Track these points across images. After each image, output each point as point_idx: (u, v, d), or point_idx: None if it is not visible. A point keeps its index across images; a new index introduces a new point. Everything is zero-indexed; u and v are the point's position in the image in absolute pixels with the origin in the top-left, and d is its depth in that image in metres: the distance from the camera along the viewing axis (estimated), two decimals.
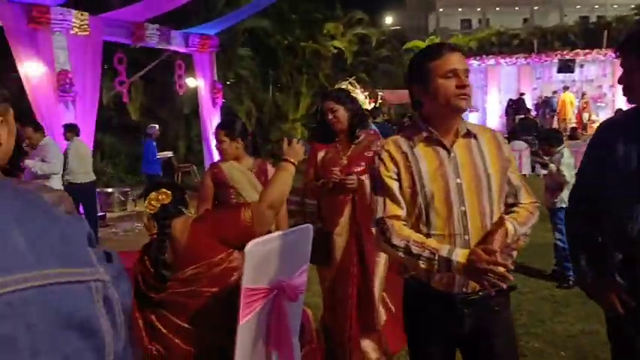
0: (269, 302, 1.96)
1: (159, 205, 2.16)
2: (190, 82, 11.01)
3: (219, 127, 2.93)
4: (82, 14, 7.84)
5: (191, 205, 2.38)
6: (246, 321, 1.83)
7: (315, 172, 3.01)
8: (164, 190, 2.17)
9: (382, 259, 2.81)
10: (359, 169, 2.88)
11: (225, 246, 2.13)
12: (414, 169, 1.72)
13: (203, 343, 2.05)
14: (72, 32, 7.78)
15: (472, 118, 18.16)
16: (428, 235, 1.69)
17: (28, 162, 5.43)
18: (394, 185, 1.74)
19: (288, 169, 2.28)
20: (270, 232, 2.24)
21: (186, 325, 2.07)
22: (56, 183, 5.85)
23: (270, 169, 2.90)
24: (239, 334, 1.81)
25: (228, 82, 14.44)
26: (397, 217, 1.72)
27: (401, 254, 1.68)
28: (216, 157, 10.72)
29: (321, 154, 3.00)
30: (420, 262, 1.64)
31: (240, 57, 15.19)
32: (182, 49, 10.11)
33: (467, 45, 25.51)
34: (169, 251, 2.16)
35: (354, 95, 3.16)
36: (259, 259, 1.90)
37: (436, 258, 1.61)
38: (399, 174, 1.74)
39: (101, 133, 12.81)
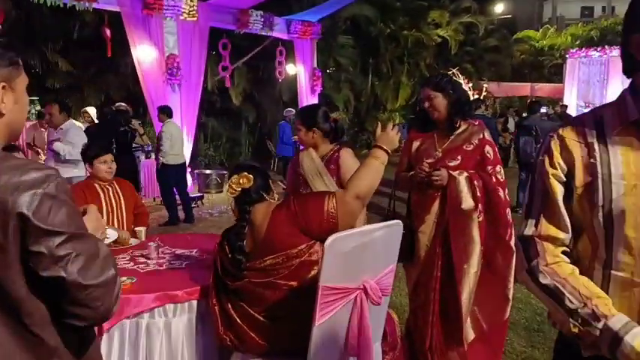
0: (349, 303, 1.79)
1: (239, 189, 2.07)
2: (290, 69, 11.08)
3: (296, 115, 2.82)
4: (191, 0, 8.11)
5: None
6: (322, 322, 1.68)
7: (409, 163, 2.78)
8: (246, 173, 2.07)
9: (473, 268, 2.51)
10: (454, 162, 2.60)
11: (307, 236, 1.99)
12: (600, 171, 1.15)
13: (278, 343, 1.93)
14: (181, 18, 8.09)
15: None
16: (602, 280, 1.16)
17: (56, 145, 5.05)
18: (558, 191, 1.21)
19: (379, 157, 2.08)
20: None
21: (261, 318, 1.97)
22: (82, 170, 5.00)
23: (346, 157, 2.71)
24: (314, 335, 1.67)
25: (327, 71, 14.41)
26: (554, 240, 1.22)
27: (546, 299, 1.20)
28: None
29: (416, 144, 2.76)
30: (571, 320, 1.15)
31: (341, 45, 15.05)
32: (284, 36, 10.18)
33: (587, 35, 23.48)
34: (248, 238, 2.06)
35: (456, 81, 2.85)
36: (341, 256, 1.73)
37: (599, 327, 1.11)
38: (570, 175, 1.20)
39: (205, 116, 13.40)
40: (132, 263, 2.63)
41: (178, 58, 8.15)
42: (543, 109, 9.96)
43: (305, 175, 2.72)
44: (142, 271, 2.51)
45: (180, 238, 3.28)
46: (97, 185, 3.19)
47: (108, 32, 7.58)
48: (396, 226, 1.96)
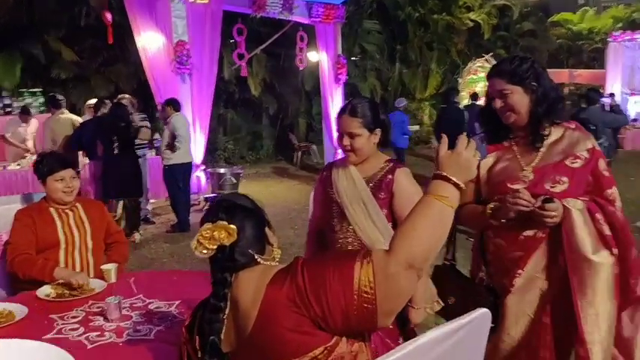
0: None
1: (214, 247, 1.28)
2: (312, 56, 10.22)
3: (352, 112, 1.97)
4: None
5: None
6: None
7: (478, 189, 1.93)
8: (225, 223, 1.27)
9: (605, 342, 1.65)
10: (560, 188, 1.75)
11: (325, 332, 1.19)
12: None
13: None
14: (190, 0, 7.32)
15: (632, 102, 15.45)
16: None
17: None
18: None
19: (446, 197, 1.24)
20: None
21: None
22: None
23: (403, 182, 1.95)
24: None
25: (352, 58, 13.48)
26: None
27: None
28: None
29: (487, 161, 1.91)
30: None
31: (366, 30, 14.10)
32: (305, 20, 9.32)
33: (629, 17, 21.96)
34: (229, 328, 1.27)
35: (539, 68, 1.96)
36: None
37: None
38: None
39: (223, 108, 12.67)
40: (82, 328, 1.86)
41: (188, 45, 7.39)
42: (606, 100, 8.89)
43: (341, 203, 1.95)
44: (89, 344, 1.74)
45: (162, 279, 2.49)
46: (52, 209, 2.44)
47: (109, 17, 6.87)
48: (482, 317, 1.13)
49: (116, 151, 5.31)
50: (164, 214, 6.96)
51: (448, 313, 1.97)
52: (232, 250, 1.30)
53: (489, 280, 1.89)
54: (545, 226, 1.72)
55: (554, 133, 1.85)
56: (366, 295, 1.15)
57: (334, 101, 9.99)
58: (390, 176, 1.96)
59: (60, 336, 1.80)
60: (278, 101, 12.88)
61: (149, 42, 7.22)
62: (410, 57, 15.27)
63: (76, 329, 1.85)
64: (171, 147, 5.80)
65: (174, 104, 6.11)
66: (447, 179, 1.25)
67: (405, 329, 1.94)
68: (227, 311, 1.28)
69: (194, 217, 6.76)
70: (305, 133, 13.58)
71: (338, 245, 2.01)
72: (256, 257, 1.32)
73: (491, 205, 1.81)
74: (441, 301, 1.97)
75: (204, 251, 1.28)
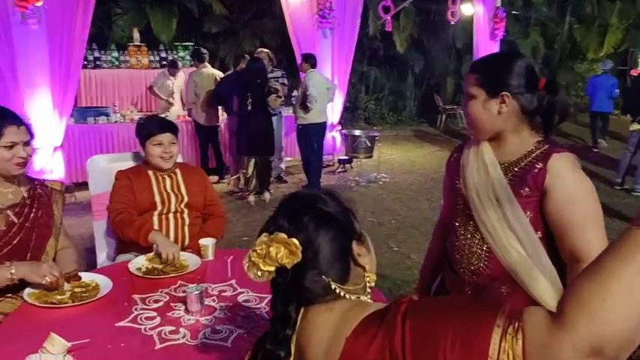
0: None
1: (271, 269, 0.89)
2: (466, 9, 9.19)
3: (472, 66, 1.48)
4: None
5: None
6: None
7: None
8: (283, 236, 0.88)
9: None
10: None
11: None
12: None
13: None
14: None
15: None
16: None
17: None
18: None
19: None
20: None
21: None
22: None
23: (562, 174, 1.37)
24: None
25: (513, 12, 11.97)
26: None
27: None
28: None
29: None
30: None
31: None
32: None
33: None
34: None
35: None
36: None
37: None
38: None
39: (367, 65, 12.20)
40: (158, 319, 1.62)
41: None
42: None
43: (467, 197, 1.45)
44: (159, 343, 1.48)
45: None
46: (150, 172, 2.26)
47: None
48: None
49: (249, 108, 5.19)
50: (297, 174, 6.84)
51: None
52: (298, 275, 0.89)
53: None
54: None
55: None
56: None
57: None
58: (539, 165, 1.38)
59: (134, 325, 1.58)
60: (425, 59, 12.03)
61: None
62: (584, 10, 13.19)
63: (152, 318, 1.62)
64: (304, 106, 5.54)
65: (310, 60, 5.81)
66: None
67: None
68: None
69: (326, 180, 6.54)
70: (452, 94, 12.59)
71: (457, 255, 1.53)
72: (334, 287, 0.90)
73: None
74: None
75: (259, 274, 0.89)
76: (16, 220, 1.82)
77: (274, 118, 6.35)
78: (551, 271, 1.35)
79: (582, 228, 1.32)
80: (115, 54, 7.75)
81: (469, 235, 1.49)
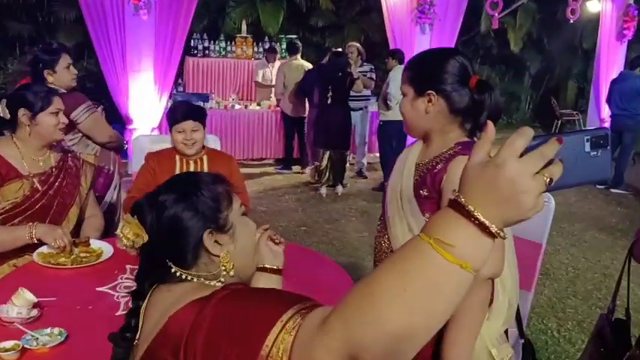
0: None
1: (128, 243, 0.95)
2: (592, 5, 8.36)
3: (409, 67, 1.45)
4: None
5: None
6: None
7: None
8: (132, 219, 0.96)
9: None
10: None
11: None
12: None
13: None
14: None
15: None
16: None
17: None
18: None
19: (454, 248, 0.60)
20: None
21: None
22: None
23: (455, 173, 1.32)
24: None
25: None
26: None
27: None
28: (606, 110, 7.97)
29: None
30: None
31: None
32: None
33: None
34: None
35: None
36: None
37: None
38: None
39: (479, 65, 11.62)
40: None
41: None
42: None
43: (388, 200, 1.45)
44: (123, 309, 1.60)
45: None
46: (177, 157, 2.39)
47: None
48: None
49: (329, 101, 5.25)
50: (380, 170, 6.77)
51: None
52: (148, 254, 0.95)
53: None
54: None
55: None
56: None
57: (609, 63, 8.09)
58: (440, 165, 1.31)
59: (110, 292, 1.71)
60: (544, 59, 11.17)
61: None
62: None
63: (129, 287, 1.74)
64: (385, 103, 5.45)
65: (397, 55, 5.69)
66: (465, 211, 0.60)
67: None
68: (139, 334, 0.93)
69: None
70: (574, 99, 11.56)
71: (375, 250, 1.53)
72: (174, 270, 0.94)
73: None
74: None
75: (122, 246, 0.97)
76: (40, 187, 2.05)
77: (359, 113, 6.35)
78: None
79: None
80: (223, 44, 8.22)
81: (381, 234, 1.47)
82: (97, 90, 8.15)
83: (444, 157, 1.32)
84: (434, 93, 1.33)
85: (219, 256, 0.96)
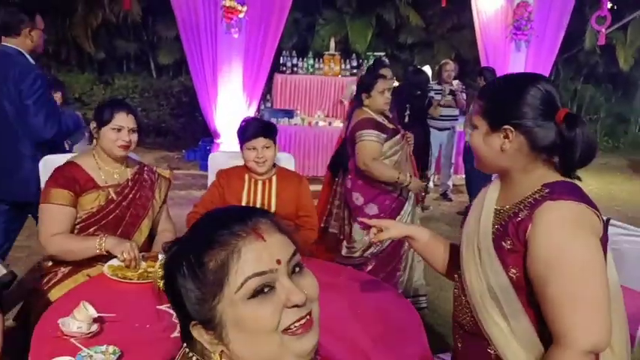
0: None
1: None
2: None
3: (482, 96, 1.28)
4: None
5: None
6: None
7: None
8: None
9: None
10: None
11: None
12: None
13: None
14: None
15: None
16: None
17: None
18: None
19: None
20: None
21: None
22: None
23: (542, 224, 1.15)
24: None
25: None
26: None
27: None
28: None
29: None
30: None
31: None
32: None
33: None
34: None
35: None
36: None
37: None
38: None
39: (581, 83, 10.84)
40: None
41: (531, 8, 6.42)
42: None
43: (464, 249, 1.25)
44: (177, 332, 1.55)
45: (328, 273, 2.10)
46: (247, 176, 2.34)
47: None
48: None
49: (406, 120, 5.07)
50: (457, 195, 6.44)
51: None
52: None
53: None
54: None
55: None
56: None
57: None
58: (525, 212, 1.12)
59: (169, 311, 1.67)
60: None
61: (486, 3, 6.58)
62: None
63: None
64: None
65: (486, 74, 5.40)
66: None
67: None
68: None
69: None
70: None
71: (455, 303, 1.33)
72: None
73: None
74: None
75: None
76: (115, 197, 2.09)
77: (445, 133, 6.10)
78: (535, 346, 1.10)
79: (561, 306, 1.01)
80: (311, 61, 8.31)
81: (461, 287, 1.25)
82: (191, 104, 8.59)
83: (529, 203, 1.14)
84: (512, 128, 1.15)
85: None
